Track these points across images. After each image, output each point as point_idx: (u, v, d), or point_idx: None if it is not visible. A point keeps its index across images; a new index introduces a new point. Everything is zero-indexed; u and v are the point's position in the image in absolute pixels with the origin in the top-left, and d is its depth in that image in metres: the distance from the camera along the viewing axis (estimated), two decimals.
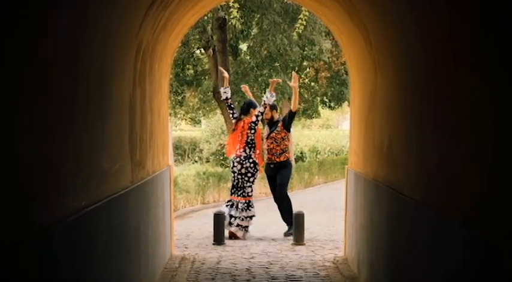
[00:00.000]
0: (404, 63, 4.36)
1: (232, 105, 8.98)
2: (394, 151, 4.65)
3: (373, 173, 5.49)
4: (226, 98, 8.96)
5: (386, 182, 4.83)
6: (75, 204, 3.21)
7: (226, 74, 9.28)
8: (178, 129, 31.13)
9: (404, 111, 4.33)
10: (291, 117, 8.94)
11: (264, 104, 8.77)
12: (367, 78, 5.92)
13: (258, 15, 16.87)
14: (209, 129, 25.56)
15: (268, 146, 8.89)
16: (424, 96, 3.80)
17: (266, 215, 10.39)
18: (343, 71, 20.74)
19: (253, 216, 8.68)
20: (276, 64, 18.93)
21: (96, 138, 3.71)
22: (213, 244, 8.27)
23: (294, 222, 8.38)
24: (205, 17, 15.84)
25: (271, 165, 8.94)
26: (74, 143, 3.24)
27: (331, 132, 32.71)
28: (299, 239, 8.28)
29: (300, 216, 8.38)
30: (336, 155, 27.04)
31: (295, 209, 8.77)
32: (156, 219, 6.10)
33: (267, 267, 6.71)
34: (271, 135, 8.89)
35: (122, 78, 4.48)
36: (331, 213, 11.90)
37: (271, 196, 9.22)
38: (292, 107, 9.00)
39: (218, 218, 8.42)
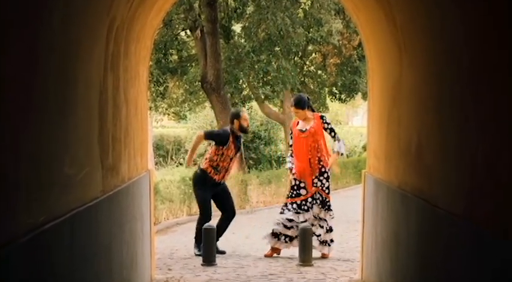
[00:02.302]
0: (439, 45, 4.27)
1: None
2: (425, 153, 4.57)
3: (398, 180, 5.45)
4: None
5: (415, 191, 4.77)
6: (30, 221, 3.12)
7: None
8: (160, 125, 31.14)
9: (439, 104, 4.25)
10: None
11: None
12: (390, 64, 5.88)
13: None
14: (196, 125, 25.57)
15: (230, 165, 9.08)
16: (464, 86, 3.70)
17: (266, 228, 10.22)
18: (355, 56, 20.75)
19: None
20: (276, 48, 18.96)
21: (57, 138, 3.63)
22: (202, 265, 8.22)
23: (300, 238, 8.32)
24: None
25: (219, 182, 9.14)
26: (29, 143, 3.15)
27: (341, 129, 32.84)
28: (306, 259, 8.23)
29: (307, 231, 8.31)
30: (347, 156, 27.04)
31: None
32: (133, 235, 6.06)
33: None
34: (239, 152, 9.34)
35: (89, 63, 4.42)
36: (343, 226, 11.83)
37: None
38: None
39: (208, 233, 8.32)
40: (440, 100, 4.23)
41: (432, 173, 4.39)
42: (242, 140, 9.40)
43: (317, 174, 8.72)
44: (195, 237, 9.02)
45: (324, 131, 8.79)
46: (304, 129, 8.79)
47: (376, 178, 6.44)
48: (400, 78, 5.43)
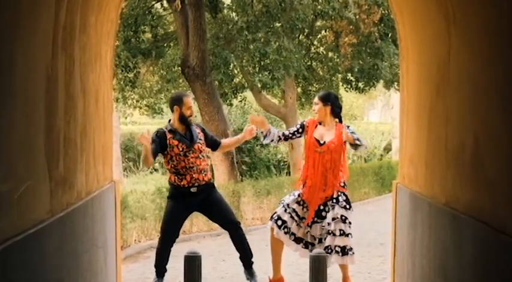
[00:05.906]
0: (504, 15, 4.15)
1: (288, 134, 8.69)
2: (486, 161, 4.51)
3: (445, 196, 5.42)
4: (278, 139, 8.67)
5: (472, 211, 4.73)
6: None
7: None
8: (129, 122, 31.01)
9: (504, 94, 4.15)
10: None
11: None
12: (433, 42, 5.91)
13: None
14: None
15: (192, 162, 8.49)
16: None
17: (264, 252, 10.06)
18: (377, 34, 20.68)
19: None
20: (277, 24, 18.89)
21: None
22: None
23: (312, 267, 8.15)
24: None
25: (194, 189, 8.55)
26: None
27: (358, 126, 32.89)
28: None
29: (321, 258, 8.09)
30: (366, 160, 27.10)
31: None
32: (92, 267, 6.06)
33: None
34: (196, 146, 8.51)
35: (32, 39, 4.37)
36: (363, 250, 11.80)
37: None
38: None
39: (191, 261, 8.11)
40: (505, 89, 4.13)
41: (496, 187, 4.32)
42: (198, 130, 8.53)
43: (330, 197, 8.36)
44: (154, 265, 8.73)
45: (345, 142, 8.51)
46: (322, 142, 8.46)
47: (413, 192, 6.46)
48: (448, 60, 5.41)
